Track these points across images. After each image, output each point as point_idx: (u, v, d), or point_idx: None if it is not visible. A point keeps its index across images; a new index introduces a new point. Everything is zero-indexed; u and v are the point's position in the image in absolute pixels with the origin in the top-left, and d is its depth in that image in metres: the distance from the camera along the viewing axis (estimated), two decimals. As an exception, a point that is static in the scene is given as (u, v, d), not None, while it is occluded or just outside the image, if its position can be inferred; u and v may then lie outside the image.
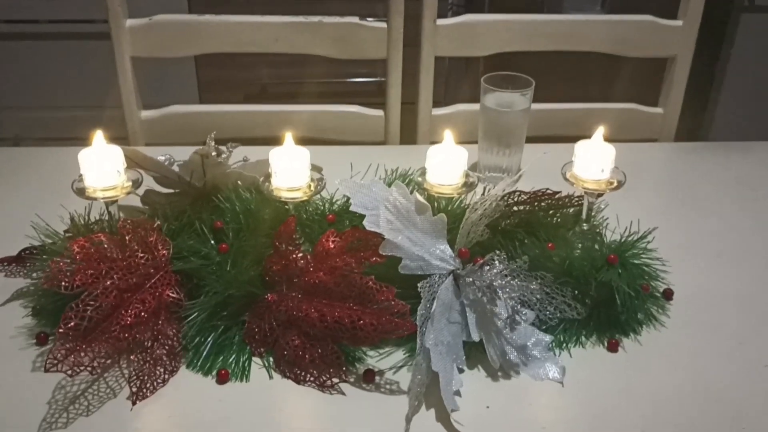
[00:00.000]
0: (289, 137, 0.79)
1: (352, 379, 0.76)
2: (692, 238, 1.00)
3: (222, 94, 2.29)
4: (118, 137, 1.31)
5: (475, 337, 0.77)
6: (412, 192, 0.78)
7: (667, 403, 0.74)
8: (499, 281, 0.76)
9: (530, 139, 1.14)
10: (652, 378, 0.77)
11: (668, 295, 0.88)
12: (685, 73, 1.30)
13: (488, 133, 1.11)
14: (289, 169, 0.79)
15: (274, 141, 1.24)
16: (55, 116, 2.13)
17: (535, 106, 1.12)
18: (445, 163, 0.81)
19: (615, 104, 1.32)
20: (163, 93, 1.93)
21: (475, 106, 1.26)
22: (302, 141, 1.23)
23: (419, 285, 0.75)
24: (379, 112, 1.30)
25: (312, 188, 0.81)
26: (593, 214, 0.89)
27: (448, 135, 0.82)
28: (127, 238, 0.80)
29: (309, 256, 0.80)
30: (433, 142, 1.30)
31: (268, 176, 0.81)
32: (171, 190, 0.94)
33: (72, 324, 0.71)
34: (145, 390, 0.73)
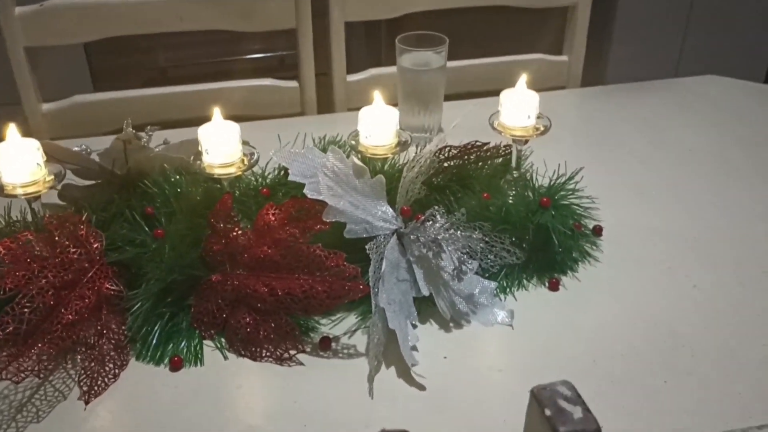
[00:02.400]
0: (217, 112, 0.77)
1: (308, 349, 0.76)
2: (614, 176, 1.04)
3: (118, 82, 2.19)
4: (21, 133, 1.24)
5: (425, 292, 0.78)
6: (348, 156, 0.78)
7: (610, 332, 0.78)
8: (443, 234, 0.77)
9: (449, 97, 1.15)
10: (593, 311, 0.81)
11: (598, 231, 0.91)
12: (585, 21, 1.34)
13: (408, 94, 1.11)
14: (221, 144, 0.77)
15: (187, 122, 1.21)
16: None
17: (451, 63, 1.13)
18: (377, 125, 0.81)
19: (524, 56, 1.35)
20: (54, 86, 1.84)
21: (390, 69, 1.27)
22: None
23: (367, 246, 0.75)
24: (294, 84, 1.28)
25: (246, 162, 0.80)
26: (522, 161, 0.92)
27: (378, 96, 0.82)
28: (55, 234, 0.76)
29: (250, 232, 0.79)
30: (351, 110, 1.31)
31: (198, 155, 0.79)
32: (92, 182, 0.90)
33: (10, 329, 0.67)
34: (96, 388, 0.71)
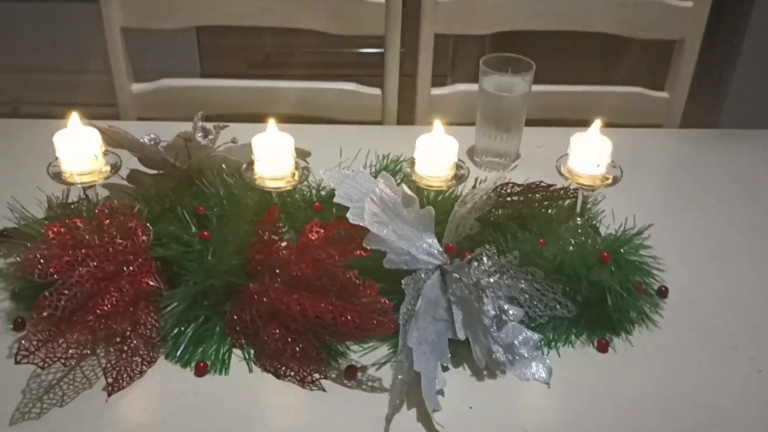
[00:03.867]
0: (272, 123, 0.76)
1: (333, 375, 0.74)
2: (691, 235, 0.97)
3: (223, 63, 2.24)
4: (110, 107, 1.29)
5: (461, 336, 0.75)
6: (399, 183, 0.76)
7: (656, 409, 0.72)
8: (487, 279, 0.74)
9: (531, 122, 1.10)
10: (641, 381, 0.75)
11: (663, 293, 0.85)
12: (693, 57, 1.25)
13: (487, 117, 1.07)
14: (272, 157, 0.76)
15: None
16: (54, 80, 2.09)
17: (536, 88, 1.08)
18: (435, 154, 0.78)
19: (619, 87, 1.28)
20: (161, 60, 1.90)
21: (475, 86, 1.23)
22: (296, 119, 1.21)
23: (403, 282, 0.72)
24: (377, 91, 1.26)
25: (296, 177, 0.79)
26: (588, 207, 0.86)
27: (438, 125, 0.78)
28: (105, 223, 0.77)
29: (293, 247, 0.78)
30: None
31: (251, 163, 0.78)
32: (156, 171, 0.92)
33: (45, 313, 0.69)
34: (121, 381, 0.72)
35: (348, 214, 0.73)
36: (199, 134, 0.94)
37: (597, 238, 0.82)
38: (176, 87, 1.26)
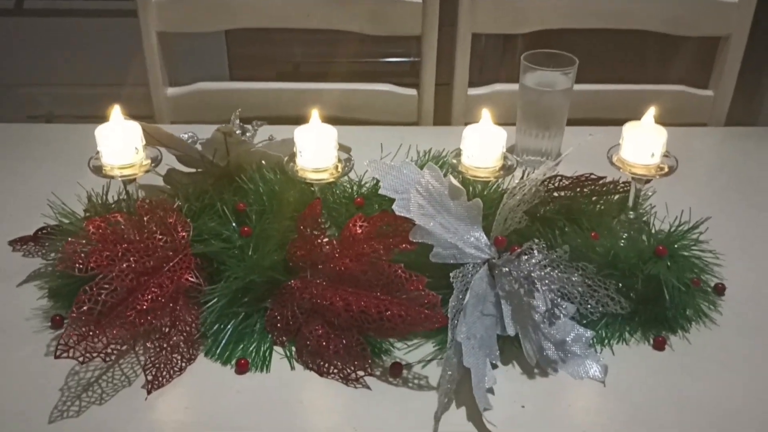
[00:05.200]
0: (315, 114, 0.75)
1: (378, 373, 0.72)
2: (747, 231, 0.93)
3: (253, 71, 2.25)
4: (144, 115, 1.28)
5: (511, 332, 0.72)
6: (445, 175, 0.73)
7: (715, 408, 0.68)
8: (538, 272, 0.71)
9: (572, 122, 1.07)
10: (700, 380, 0.71)
11: (720, 290, 0.81)
12: (739, 54, 1.22)
13: (527, 114, 1.05)
14: (316, 149, 0.74)
15: (304, 120, 1.20)
16: (86, 93, 2.11)
17: (578, 86, 1.05)
18: (482, 145, 0.76)
19: (662, 86, 1.25)
20: (192, 69, 1.90)
21: (514, 86, 1.20)
22: (332, 120, 1.19)
23: (452, 275, 0.70)
24: (412, 92, 1.25)
25: (339, 170, 0.77)
26: (640, 201, 0.83)
27: (486, 114, 0.76)
28: (145, 218, 0.76)
29: (335, 242, 0.75)
30: (468, 124, 1.26)
31: (293, 156, 0.77)
32: (193, 170, 0.90)
33: (85, 308, 0.68)
34: (161, 379, 0.70)
35: (394, 206, 0.71)
36: (237, 131, 0.93)
37: (651, 232, 0.79)
38: (211, 90, 1.26)
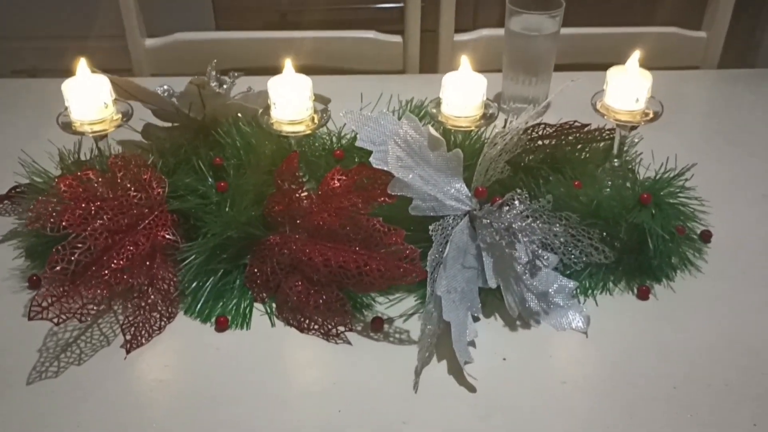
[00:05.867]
0: (288, 65, 0.72)
1: (359, 328, 0.71)
2: (736, 177, 0.91)
3: (239, 23, 2.20)
4: (123, 68, 1.25)
5: (492, 284, 0.71)
6: (425, 125, 0.71)
7: (700, 357, 0.68)
8: (519, 223, 0.69)
9: (560, 67, 1.05)
10: (684, 329, 0.71)
11: (706, 237, 0.80)
12: (732, -7, 1.18)
13: (513, 60, 1.02)
14: (290, 100, 0.72)
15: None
16: (70, 47, 2.05)
17: (566, 30, 1.02)
18: (462, 93, 0.73)
19: (653, 28, 1.21)
20: (176, 20, 1.86)
21: (501, 32, 1.17)
22: (315, 70, 1.16)
23: (431, 228, 0.68)
24: (397, 38, 1.21)
25: (315, 121, 0.74)
26: (626, 149, 0.81)
27: (465, 61, 0.73)
28: (119, 175, 0.74)
29: (314, 196, 0.74)
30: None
31: (267, 108, 0.74)
32: (170, 124, 0.88)
33: (59, 268, 0.66)
34: (140, 338, 0.69)
35: (371, 159, 0.69)
36: (214, 83, 0.91)
37: (636, 180, 0.77)
38: (189, 41, 1.22)
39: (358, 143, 0.70)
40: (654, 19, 1.26)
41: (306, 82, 0.72)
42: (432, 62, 1.24)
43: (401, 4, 2.11)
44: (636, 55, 0.73)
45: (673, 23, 1.23)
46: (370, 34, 1.22)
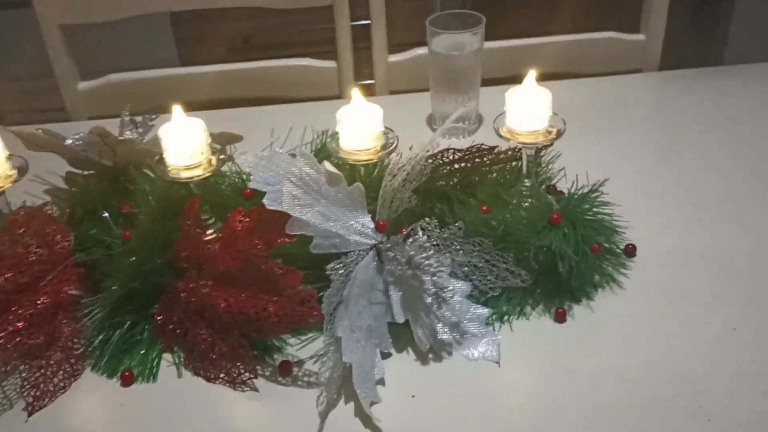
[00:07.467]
0: (177, 109, 0.71)
1: (267, 373, 0.69)
2: (665, 186, 0.89)
3: (202, 50, 2.20)
4: (60, 116, 1.24)
5: (399, 319, 0.69)
6: (322, 161, 0.70)
7: (610, 383, 0.65)
8: (422, 254, 0.68)
9: (496, 81, 1.03)
10: (598, 352, 0.69)
11: (630, 252, 0.78)
12: (666, -7, 1.16)
13: (439, 79, 1.00)
14: (183, 145, 0.70)
15: (220, 104, 1.16)
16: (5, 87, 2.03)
17: (495, 44, 1.00)
18: (358, 125, 0.72)
19: (590, 34, 1.19)
20: (137, 54, 1.84)
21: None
22: (254, 102, 1.15)
23: (327, 268, 0.67)
24: (331, 64, 1.20)
25: (213, 163, 0.73)
26: (540, 167, 0.79)
27: (356, 93, 0.72)
28: (18, 231, 0.73)
29: (218, 239, 0.72)
30: (393, 92, 1.21)
31: (161, 155, 0.73)
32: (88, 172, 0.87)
33: (-50, 334, 0.65)
34: (42, 399, 0.68)
35: (264, 200, 0.67)
36: (129, 128, 0.90)
37: (552, 200, 0.75)
38: (125, 80, 1.21)
39: (251, 185, 0.68)
40: (591, 25, 1.24)
41: (198, 124, 0.71)
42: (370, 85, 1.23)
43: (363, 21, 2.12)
44: (532, 74, 0.71)
45: (611, 28, 1.21)
46: (305, 62, 1.20)
